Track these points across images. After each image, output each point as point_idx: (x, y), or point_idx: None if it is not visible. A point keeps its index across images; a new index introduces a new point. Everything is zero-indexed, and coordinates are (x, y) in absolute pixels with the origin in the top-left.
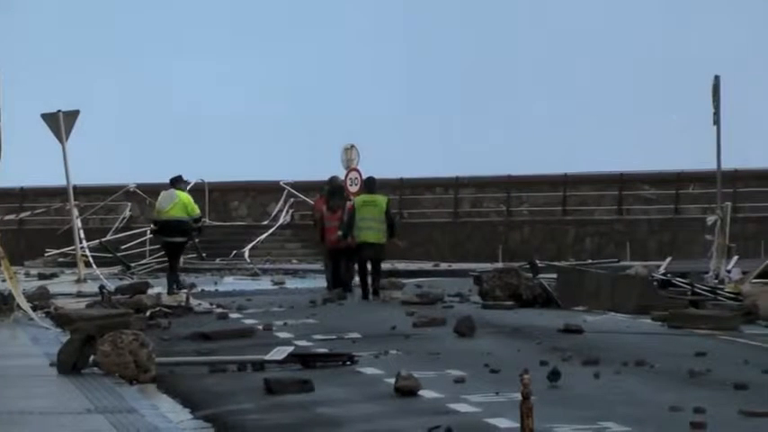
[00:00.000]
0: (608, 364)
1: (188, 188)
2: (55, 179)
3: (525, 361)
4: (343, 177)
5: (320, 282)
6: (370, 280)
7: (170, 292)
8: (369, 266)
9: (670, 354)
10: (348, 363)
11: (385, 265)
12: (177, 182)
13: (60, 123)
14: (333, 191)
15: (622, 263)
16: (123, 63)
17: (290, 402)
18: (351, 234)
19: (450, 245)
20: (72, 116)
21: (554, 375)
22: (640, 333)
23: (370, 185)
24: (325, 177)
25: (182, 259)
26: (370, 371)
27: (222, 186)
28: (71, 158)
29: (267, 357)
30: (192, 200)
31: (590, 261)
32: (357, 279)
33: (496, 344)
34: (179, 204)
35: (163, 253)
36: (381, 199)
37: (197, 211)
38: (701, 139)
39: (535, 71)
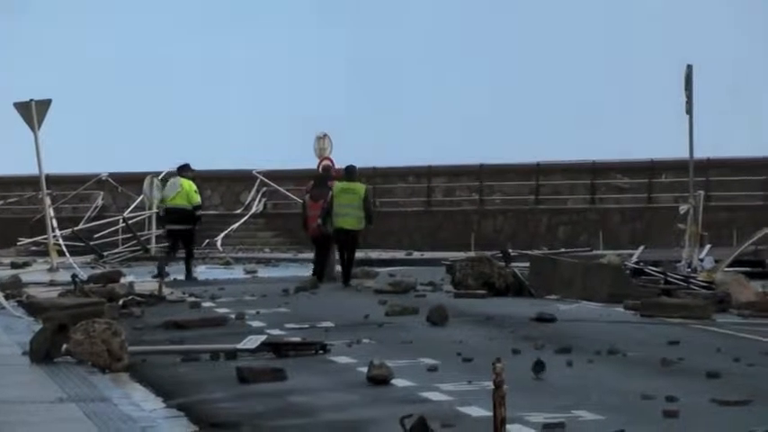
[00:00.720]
0: (581, 353)
1: (161, 177)
2: (27, 168)
3: (498, 350)
4: (316, 166)
5: (293, 270)
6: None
7: (188, 278)
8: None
9: (643, 342)
10: (321, 352)
11: (358, 254)
12: (183, 170)
13: (33, 112)
14: (319, 180)
15: (595, 252)
16: (95, 51)
17: (262, 391)
18: (329, 221)
19: (423, 234)
20: (44, 105)
21: (538, 366)
22: (613, 322)
23: (350, 173)
24: (299, 166)
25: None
26: (342, 360)
27: (194, 175)
28: (43, 147)
29: (240, 346)
30: (194, 189)
31: (563, 250)
32: (338, 268)
33: (469, 332)
34: (182, 193)
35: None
36: (360, 187)
37: (197, 199)
38: (673, 127)
39: (507, 60)
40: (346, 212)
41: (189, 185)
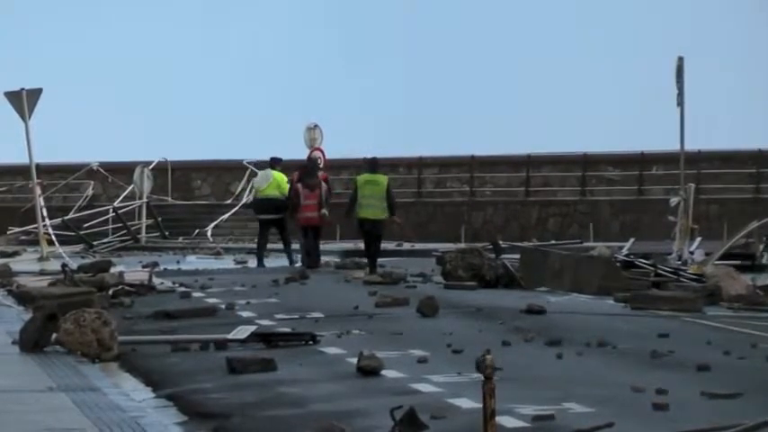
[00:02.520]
0: (570, 345)
1: (152, 167)
2: (17, 157)
3: (488, 341)
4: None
5: (283, 261)
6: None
7: (291, 263)
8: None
9: (633, 335)
10: (310, 342)
11: (348, 245)
12: (276, 162)
13: (23, 101)
14: (309, 170)
15: (585, 244)
16: (85, 40)
17: (252, 381)
18: (353, 211)
19: (414, 225)
20: (35, 94)
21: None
22: (603, 314)
23: (372, 165)
24: (289, 156)
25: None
26: (332, 350)
27: (185, 165)
28: (34, 136)
29: (230, 336)
30: (285, 179)
31: (553, 242)
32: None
33: (459, 324)
34: (273, 183)
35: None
36: (383, 178)
37: (287, 189)
38: (664, 120)
39: (498, 52)
40: (369, 203)
41: (280, 177)
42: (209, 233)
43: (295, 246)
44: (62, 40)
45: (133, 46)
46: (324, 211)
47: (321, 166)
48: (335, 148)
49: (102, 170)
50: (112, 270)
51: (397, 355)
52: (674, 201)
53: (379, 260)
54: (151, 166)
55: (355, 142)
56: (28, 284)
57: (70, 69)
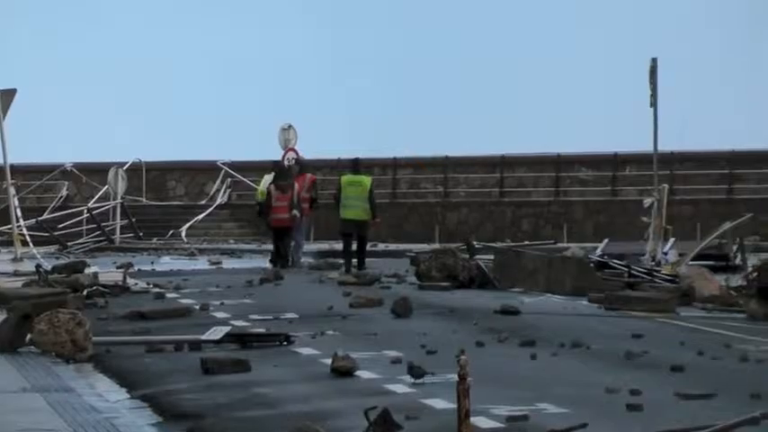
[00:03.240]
0: (545, 346)
1: (126, 168)
2: None
3: (462, 342)
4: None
5: (256, 262)
6: (354, 256)
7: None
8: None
9: (607, 335)
10: (285, 343)
11: (323, 245)
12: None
13: None
14: (281, 172)
15: (559, 244)
16: (60, 40)
17: (226, 382)
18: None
19: (388, 225)
20: (9, 95)
21: (414, 371)
22: (577, 315)
23: (355, 166)
24: (263, 157)
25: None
26: (306, 351)
27: (159, 166)
28: (8, 137)
29: (204, 337)
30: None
31: (527, 242)
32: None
33: (433, 325)
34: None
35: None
36: (366, 179)
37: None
38: (637, 120)
39: (472, 53)
40: (353, 204)
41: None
42: (183, 234)
43: (268, 246)
44: (36, 40)
45: (108, 47)
46: (295, 212)
47: (298, 167)
48: (310, 148)
49: (76, 171)
50: (87, 271)
51: (371, 356)
52: (647, 202)
53: (354, 260)
54: (125, 167)
55: (329, 143)
56: (2, 285)
57: (45, 69)
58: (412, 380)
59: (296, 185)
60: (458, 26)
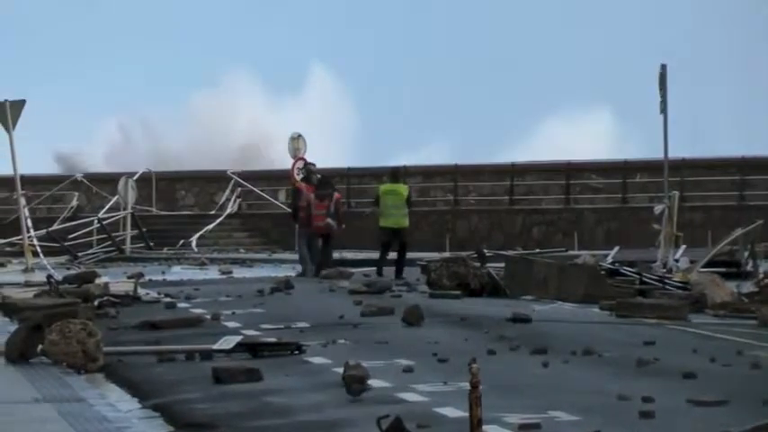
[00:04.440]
0: (556, 354)
1: (136, 178)
2: (1, 169)
3: (473, 350)
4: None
5: (267, 271)
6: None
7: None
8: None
9: (618, 343)
10: (296, 352)
11: (334, 254)
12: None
13: (7, 113)
14: (322, 181)
15: (570, 252)
16: (68, 50)
17: (238, 392)
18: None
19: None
20: (18, 105)
21: (350, 389)
22: (588, 322)
23: (395, 175)
24: (273, 167)
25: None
26: (318, 360)
27: (169, 176)
28: (18, 148)
29: (215, 347)
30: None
31: (537, 250)
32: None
33: (444, 333)
34: None
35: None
36: (403, 188)
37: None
38: (648, 127)
39: (481, 59)
40: (391, 213)
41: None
42: (193, 244)
43: (279, 255)
44: (44, 50)
45: (112, 54)
46: (329, 220)
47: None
48: (319, 158)
49: (86, 181)
50: (97, 281)
51: (382, 365)
52: (658, 208)
53: (363, 269)
54: (135, 177)
55: (339, 152)
56: (13, 296)
57: (53, 79)
58: (350, 397)
59: (335, 196)
60: (469, 30)
